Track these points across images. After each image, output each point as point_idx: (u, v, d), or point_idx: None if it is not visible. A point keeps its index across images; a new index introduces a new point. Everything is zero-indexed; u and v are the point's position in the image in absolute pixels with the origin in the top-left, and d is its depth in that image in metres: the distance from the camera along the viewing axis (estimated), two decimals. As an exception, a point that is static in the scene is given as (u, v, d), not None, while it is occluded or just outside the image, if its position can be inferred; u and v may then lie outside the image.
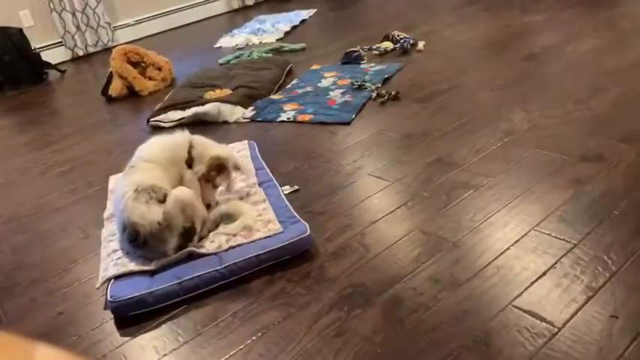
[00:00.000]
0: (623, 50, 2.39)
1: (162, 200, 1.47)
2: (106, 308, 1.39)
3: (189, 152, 1.65)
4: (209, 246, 1.49)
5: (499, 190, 1.58)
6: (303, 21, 4.10)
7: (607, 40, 2.55)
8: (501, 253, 1.32)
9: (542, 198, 1.50)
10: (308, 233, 1.46)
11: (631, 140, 1.69)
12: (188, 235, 1.48)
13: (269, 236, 1.49)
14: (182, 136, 1.67)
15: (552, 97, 2.09)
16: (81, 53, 4.25)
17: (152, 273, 1.44)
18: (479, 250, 1.35)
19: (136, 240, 1.45)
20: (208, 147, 1.69)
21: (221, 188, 1.73)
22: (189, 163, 1.65)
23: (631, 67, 2.21)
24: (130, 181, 1.50)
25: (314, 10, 4.34)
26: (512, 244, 1.34)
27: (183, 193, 1.49)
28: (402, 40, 2.96)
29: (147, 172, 1.52)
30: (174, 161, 1.61)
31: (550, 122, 1.90)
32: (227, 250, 1.47)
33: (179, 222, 1.45)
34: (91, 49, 4.29)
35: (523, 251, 1.32)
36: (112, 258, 1.52)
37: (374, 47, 3.01)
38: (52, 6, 4.05)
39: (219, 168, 1.66)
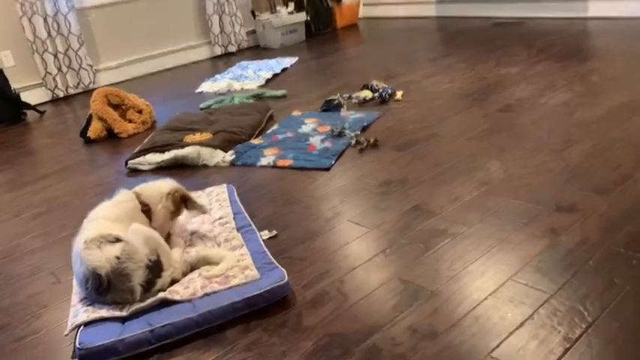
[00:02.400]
0: (593, 104, 2.48)
1: (115, 242, 1.44)
2: (74, 357, 1.34)
3: (139, 199, 1.65)
4: (183, 292, 1.46)
5: (476, 238, 1.59)
6: (284, 69, 4.17)
7: (578, 93, 2.64)
8: (479, 303, 1.32)
9: (518, 247, 1.51)
10: (285, 280, 1.45)
11: (603, 191, 1.73)
12: (155, 269, 1.45)
13: (245, 283, 1.47)
14: (124, 191, 1.69)
15: (527, 147, 2.14)
16: (61, 95, 4.24)
17: (123, 320, 1.40)
18: (457, 300, 1.34)
19: (101, 285, 1.40)
20: (154, 187, 1.72)
21: (191, 230, 1.73)
22: (146, 210, 1.65)
23: (601, 120, 2.28)
24: (77, 241, 1.48)
25: (295, 59, 4.43)
26: (490, 294, 1.35)
27: (141, 226, 1.50)
28: (380, 90, 3.02)
29: (92, 229, 1.49)
30: (123, 215, 1.59)
31: (525, 172, 1.94)
32: (202, 296, 1.44)
33: (142, 254, 1.43)
34: (71, 91, 4.29)
35: (501, 301, 1.32)
36: (82, 304, 1.48)
37: (353, 96, 3.07)
38: (34, 47, 4.07)
39: (183, 199, 1.70)
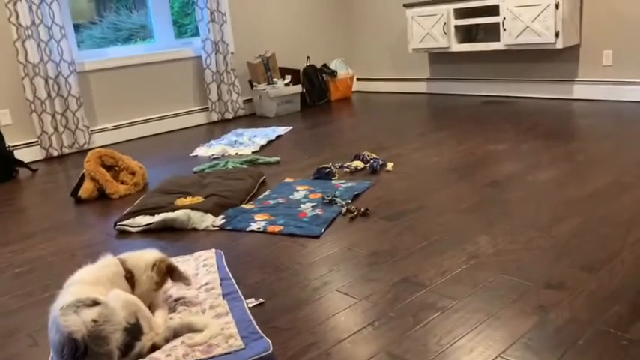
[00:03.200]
0: (579, 182, 2.53)
1: (92, 305, 1.41)
2: None
3: (124, 266, 1.65)
4: (165, 360, 1.42)
5: (465, 313, 1.57)
6: (279, 136, 4.25)
7: (564, 171, 2.70)
8: (468, 380, 1.29)
9: (507, 323, 1.50)
10: (270, 351, 1.41)
11: (591, 269, 1.74)
12: (134, 332, 1.41)
13: (229, 352, 1.43)
14: (108, 257, 1.68)
15: (515, 223, 2.16)
16: (55, 154, 4.27)
17: (101, 387, 1.35)
18: (445, 376, 1.31)
19: (77, 350, 1.35)
20: (140, 255, 1.71)
21: (176, 296, 1.69)
22: (129, 277, 1.64)
23: (588, 198, 2.32)
24: (54, 307, 1.45)
25: (290, 128, 4.53)
26: (479, 371, 1.32)
27: (122, 292, 1.49)
28: (371, 161, 3.08)
29: (70, 294, 1.46)
30: (104, 279, 1.58)
31: (514, 247, 1.95)
32: (184, 365, 1.40)
33: (120, 316, 1.40)
34: (66, 151, 4.33)
35: (490, 379, 1.29)
36: (59, 369, 1.42)
37: (345, 165, 3.12)
38: (32, 107, 4.13)
39: (168, 270, 1.68)
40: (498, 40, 4.60)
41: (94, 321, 1.37)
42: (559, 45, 4.22)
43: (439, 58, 5.42)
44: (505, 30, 4.48)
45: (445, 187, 2.67)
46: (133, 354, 1.40)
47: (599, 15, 4.27)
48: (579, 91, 4.51)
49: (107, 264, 1.65)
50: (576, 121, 3.81)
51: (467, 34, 4.99)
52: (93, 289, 1.50)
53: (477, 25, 4.94)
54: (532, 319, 1.51)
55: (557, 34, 4.19)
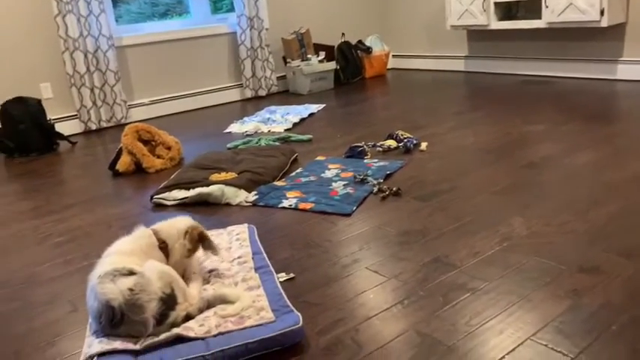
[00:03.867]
0: (619, 165, 2.46)
1: (128, 275, 1.46)
2: (84, 388, 1.34)
3: (157, 236, 1.68)
4: (197, 329, 1.46)
5: (496, 294, 1.56)
6: (311, 114, 4.25)
7: (604, 154, 2.63)
8: (496, 361, 1.29)
9: (539, 307, 1.48)
10: (300, 325, 1.44)
11: (629, 255, 1.70)
12: (169, 302, 1.45)
13: (260, 325, 1.46)
14: (141, 229, 1.72)
15: (551, 206, 2.12)
16: (93, 127, 4.37)
17: (136, 353, 1.40)
18: (474, 357, 1.31)
19: (114, 317, 1.41)
20: (172, 225, 1.74)
21: (209, 267, 1.73)
22: (163, 247, 1.67)
23: (628, 183, 2.26)
24: (92, 276, 1.51)
25: (323, 105, 4.51)
26: (508, 353, 1.31)
27: (157, 262, 1.53)
28: (405, 140, 3.05)
29: (107, 264, 1.52)
30: (138, 250, 1.62)
31: (548, 230, 1.92)
32: (216, 335, 1.43)
33: (156, 287, 1.45)
34: (103, 124, 4.42)
35: (519, 361, 1.28)
36: (97, 335, 1.48)
37: (378, 144, 3.10)
38: (72, 81, 4.23)
39: (200, 237, 1.72)
40: (540, 18, 4.46)
41: (131, 290, 1.42)
42: (604, 23, 4.06)
43: (478, 35, 5.29)
44: (547, 7, 4.33)
45: (480, 168, 2.63)
46: (167, 323, 1.45)
47: (648, -9, 4.08)
48: (623, 72, 4.34)
49: (141, 235, 1.69)
50: (619, 102, 3.69)
51: (507, 11, 4.85)
52: (128, 259, 1.54)
53: (518, 2, 4.79)
54: (565, 302, 1.49)
55: (602, 12, 4.03)
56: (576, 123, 3.22)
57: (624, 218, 1.95)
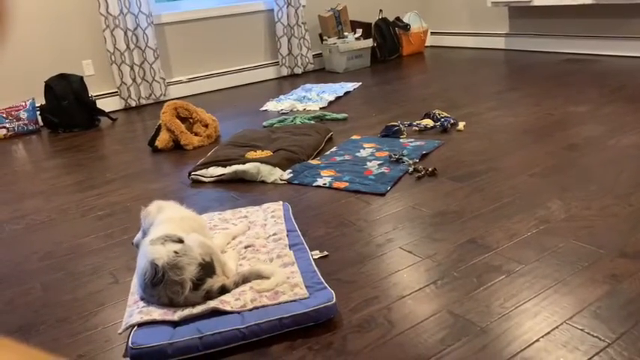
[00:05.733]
0: (667, 148, 2.37)
1: (178, 242, 1.56)
2: (125, 355, 1.40)
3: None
4: (233, 303, 1.50)
5: (531, 278, 1.54)
6: (347, 92, 4.23)
7: (651, 136, 2.54)
8: (530, 345, 1.28)
9: (575, 291, 1.46)
10: (334, 302, 1.45)
11: (672, 240, 1.65)
12: (207, 269, 1.52)
13: (294, 300, 1.48)
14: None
15: (592, 189, 2.07)
16: (133, 104, 4.46)
17: (175, 324, 1.45)
18: (507, 339, 1.31)
19: (156, 275, 1.49)
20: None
21: (245, 243, 1.77)
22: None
23: (675, 166, 2.18)
24: (143, 242, 1.62)
25: (359, 84, 4.48)
26: (542, 336, 1.30)
27: (199, 235, 1.62)
28: (442, 119, 3.01)
29: (158, 231, 1.63)
30: (186, 221, 1.71)
31: (588, 214, 1.88)
32: (251, 309, 1.47)
33: (197, 252, 1.53)
34: (143, 101, 4.51)
35: (553, 345, 1.27)
36: (137, 305, 1.54)
37: (414, 123, 3.07)
38: (113, 58, 4.31)
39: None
40: (586, -7, 4.29)
41: (175, 252, 1.51)
42: (655, -1, 3.88)
43: (520, 12, 5.13)
44: (595, -18, 4.16)
45: (519, 149, 2.58)
46: (203, 289, 1.50)
47: None
48: (674, 50, 4.15)
49: (197, 216, 1.84)
50: (668, 82, 3.53)
51: (552, -14, 4.68)
52: (177, 228, 1.65)
53: (564, -23, 4.61)
54: (603, 287, 1.46)
55: (653, -13, 3.85)
56: (622, 104, 3.11)
57: (669, 203, 1.89)
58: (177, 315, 1.46)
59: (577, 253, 1.64)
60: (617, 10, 4.42)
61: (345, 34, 5.17)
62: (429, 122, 3.05)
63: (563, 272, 1.55)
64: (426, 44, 5.84)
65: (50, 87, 3.90)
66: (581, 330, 1.31)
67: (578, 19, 4.71)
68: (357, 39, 5.16)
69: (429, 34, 5.90)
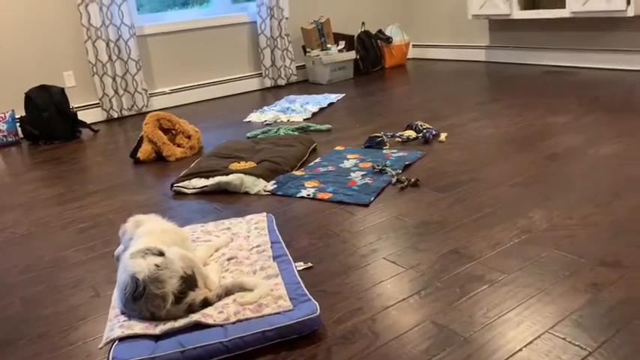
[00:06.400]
0: (644, 158, 2.42)
1: (158, 255, 1.54)
2: (106, 371, 1.37)
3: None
4: (216, 316, 1.48)
5: (514, 287, 1.55)
6: (331, 104, 4.24)
7: (629, 147, 2.58)
8: (513, 354, 1.29)
9: (557, 300, 1.47)
10: (318, 313, 1.45)
11: (651, 249, 1.67)
12: (189, 282, 1.50)
13: (278, 313, 1.47)
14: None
15: (573, 198, 2.10)
16: (115, 116, 4.43)
17: (156, 338, 1.43)
18: (491, 349, 1.31)
19: (137, 289, 1.47)
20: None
21: (228, 255, 1.76)
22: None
23: (652, 176, 2.22)
24: (123, 256, 1.60)
25: (342, 95, 4.50)
26: (525, 346, 1.31)
27: (181, 249, 1.60)
28: (424, 130, 3.03)
29: (138, 244, 1.61)
30: (169, 240, 1.68)
31: (569, 223, 1.90)
32: (234, 322, 1.45)
33: (178, 266, 1.51)
34: (125, 113, 4.47)
35: (536, 354, 1.28)
36: (118, 319, 1.52)
37: (397, 134, 3.09)
38: (94, 70, 4.28)
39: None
40: (564, 7, 4.37)
41: (156, 265, 1.49)
42: (630, 13, 3.97)
43: (500, 25, 5.22)
44: (572, -4, 4.25)
45: (500, 159, 2.61)
46: (185, 302, 1.48)
47: (677, -20, 3.98)
48: (650, 62, 4.25)
49: (179, 230, 1.82)
50: (645, 93, 3.61)
51: (530, 0, 4.77)
52: (158, 241, 1.63)
53: (542, -9, 4.71)
54: (584, 296, 1.48)
55: (628, 1, 3.94)
56: (600, 114, 3.17)
57: (647, 212, 1.92)
58: (158, 329, 1.44)
59: (559, 262, 1.66)
60: (593, 24, 4.52)
61: (328, 46, 5.20)
62: (411, 133, 3.07)
63: (545, 281, 1.57)
64: (408, 57, 5.90)
65: (30, 98, 3.86)
66: (563, 339, 1.32)
67: (556, 32, 4.80)
68: (340, 51, 5.20)
69: (410, 46, 5.96)
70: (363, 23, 5.58)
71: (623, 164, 2.38)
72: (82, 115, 4.17)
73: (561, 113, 3.27)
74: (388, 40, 5.55)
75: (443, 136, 3.02)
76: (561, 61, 4.81)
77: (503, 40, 5.23)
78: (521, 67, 4.91)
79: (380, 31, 5.59)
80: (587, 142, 2.71)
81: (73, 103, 4.16)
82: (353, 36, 5.46)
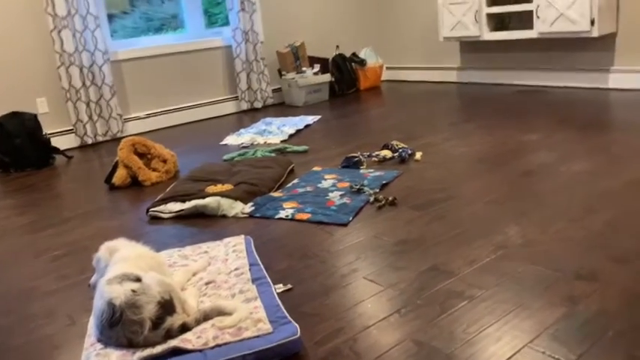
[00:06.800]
0: (614, 173, 2.48)
1: (135, 280, 1.52)
2: (81, 402, 1.33)
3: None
4: (195, 341, 1.46)
5: (493, 302, 1.57)
6: (307, 125, 4.27)
7: (599, 162, 2.65)
8: (494, 369, 1.29)
9: (535, 314, 1.49)
10: (298, 336, 1.44)
11: (625, 261, 1.71)
12: (167, 307, 1.48)
13: (258, 336, 1.46)
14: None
15: (547, 213, 2.14)
16: (89, 142, 4.38)
17: (134, 367, 1.40)
18: (471, 364, 1.32)
19: (113, 315, 1.44)
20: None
21: (206, 279, 1.73)
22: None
23: (622, 190, 2.28)
24: (100, 283, 1.56)
25: (318, 117, 4.53)
26: (506, 360, 1.32)
27: (158, 274, 1.58)
28: (400, 150, 3.07)
29: (114, 271, 1.58)
30: (145, 266, 1.66)
31: (544, 238, 1.93)
32: (213, 347, 1.43)
33: (155, 291, 1.49)
34: (100, 138, 4.43)
35: (516, 368, 1.29)
36: (94, 347, 1.48)
37: (373, 154, 3.12)
38: (68, 95, 4.24)
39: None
40: (532, 28, 4.51)
41: (133, 291, 1.47)
42: (595, 33, 4.11)
43: (470, 46, 5.34)
44: (539, 17, 4.38)
45: (475, 177, 2.65)
46: (163, 328, 1.45)
47: (637, 2, 4.14)
48: (615, 81, 4.39)
49: (155, 255, 1.79)
50: (612, 111, 3.72)
51: (499, 22, 4.90)
52: (134, 267, 1.60)
53: (510, 13, 4.85)
54: (560, 310, 1.49)
55: (592, 22, 4.08)
56: (570, 132, 3.25)
57: (619, 225, 1.97)
58: (136, 356, 1.41)
59: (535, 276, 1.68)
60: (561, 44, 4.66)
61: (304, 69, 5.25)
62: (387, 153, 3.10)
63: (523, 296, 1.58)
64: (383, 79, 5.99)
65: (2, 125, 3.79)
66: (542, 352, 1.33)
67: (525, 53, 4.93)
68: (315, 74, 5.25)
69: (384, 68, 6.05)
70: (337, 46, 5.66)
71: (595, 180, 2.43)
72: (55, 142, 4.11)
73: (533, 131, 3.35)
74: (362, 62, 5.63)
75: (418, 155, 3.06)
76: (531, 80, 4.94)
77: (475, 61, 5.35)
78: (493, 88, 5.02)
79: (354, 54, 5.68)
80: (559, 159, 2.78)
81: (47, 130, 4.11)
82: (327, 59, 5.53)
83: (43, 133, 3.95)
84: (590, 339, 1.36)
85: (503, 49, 5.08)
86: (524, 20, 4.68)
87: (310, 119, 4.43)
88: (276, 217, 2.40)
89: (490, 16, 4.80)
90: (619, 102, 3.94)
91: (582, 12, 4.11)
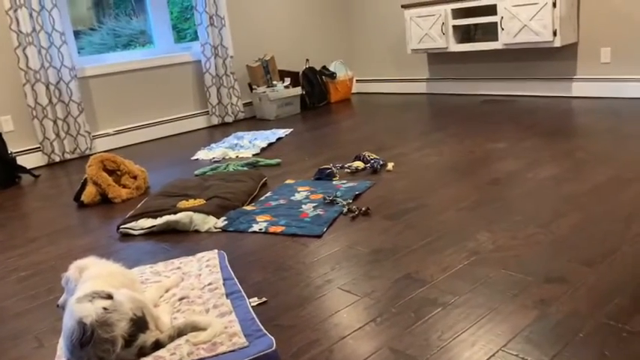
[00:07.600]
0: (579, 179, 2.55)
1: (106, 298, 1.48)
2: None
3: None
4: (169, 358, 1.43)
5: (466, 308, 1.58)
6: (279, 139, 4.27)
7: (564, 168, 2.72)
8: (470, 374, 1.30)
9: (508, 318, 1.51)
10: (274, 348, 1.43)
11: (591, 263, 1.75)
12: (139, 324, 1.45)
13: (233, 350, 1.44)
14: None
15: (516, 219, 2.18)
16: (57, 159, 4.29)
17: (106, 387, 1.37)
18: (447, 370, 1.32)
19: (84, 334, 1.40)
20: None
21: (180, 295, 1.71)
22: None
23: (588, 195, 2.34)
24: (69, 301, 1.53)
25: (290, 130, 4.54)
26: (481, 365, 1.33)
27: (130, 291, 1.55)
28: (372, 161, 3.09)
29: (84, 289, 1.54)
30: (118, 283, 1.63)
31: (514, 243, 1.97)
32: (188, 363, 1.41)
33: (127, 307, 1.45)
34: (68, 156, 4.35)
35: (491, 372, 1.30)
36: (65, 369, 1.44)
37: (346, 165, 3.13)
38: (34, 113, 4.15)
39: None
40: (496, 40, 4.62)
41: (104, 309, 1.43)
42: (557, 43, 4.24)
43: (438, 58, 5.44)
44: (503, 29, 4.50)
45: (446, 186, 2.68)
46: (136, 345, 1.42)
47: (596, 13, 4.29)
48: (578, 89, 4.52)
49: (128, 272, 1.78)
50: (575, 118, 3.83)
51: (465, 33, 5.01)
52: (105, 285, 1.56)
53: (475, 25, 4.96)
54: (533, 313, 1.52)
55: (554, 33, 4.21)
56: (536, 139, 3.33)
57: (585, 228, 2.02)
58: (108, 375, 1.38)
59: (507, 281, 1.71)
60: (525, 54, 4.78)
61: (274, 82, 5.26)
62: (359, 164, 3.12)
63: (496, 301, 1.60)
64: (353, 91, 6.04)
65: (-35, 145, 3.70)
66: (516, 355, 1.35)
67: (491, 64, 5.05)
68: (286, 87, 5.27)
69: (354, 81, 6.11)
70: (307, 60, 5.70)
71: (561, 185, 2.49)
72: (21, 160, 4.02)
73: (500, 140, 3.42)
74: (332, 75, 5.68)
75: (390, 165, 3.09)
76: (498, 90, 5.05)
77: (442, 72, 5.44)
78: (461, 98, 5.11)
79: (324, 67, 5.72)
80: (526, 166, 2.84)
81: (12, 148, 4.01)
82: (298, 72, 5.56)
83: (9, 152, 3.86)
84: (563, 340, 1.38)
85: (469, 60, 5.19)
86: (490, 32, 4.80)
87: (282, 132, 4.44)
88: (250, 230, 2.39)
89: (456, 28, 4.90)
90: (582, 109, 4.05)
91: (544, 23, 4.23)
